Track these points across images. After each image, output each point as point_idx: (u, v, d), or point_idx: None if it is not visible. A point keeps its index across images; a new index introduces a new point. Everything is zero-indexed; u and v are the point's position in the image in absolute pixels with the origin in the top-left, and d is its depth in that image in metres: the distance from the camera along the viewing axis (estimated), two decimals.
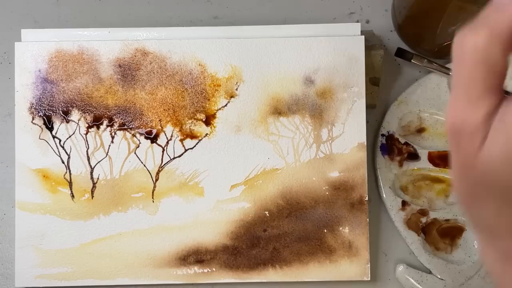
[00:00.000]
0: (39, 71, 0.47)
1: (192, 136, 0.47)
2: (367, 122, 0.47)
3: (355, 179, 0.46)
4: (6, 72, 0.51)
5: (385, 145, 0.49)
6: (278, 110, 0.47)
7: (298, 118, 0.47)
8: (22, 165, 0.46)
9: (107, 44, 0.47)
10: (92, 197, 0.46)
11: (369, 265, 0.46)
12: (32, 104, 0.46)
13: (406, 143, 0.49)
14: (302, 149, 0.46)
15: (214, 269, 0.46)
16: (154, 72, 0.47)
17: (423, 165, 0.49)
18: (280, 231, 0.46)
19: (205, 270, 0.46)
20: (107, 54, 0.47)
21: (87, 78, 0.47)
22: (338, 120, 0.46)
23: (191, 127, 0.46)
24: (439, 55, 0.51)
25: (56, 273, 0.46)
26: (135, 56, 0.47)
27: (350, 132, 0.46)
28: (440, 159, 0.49)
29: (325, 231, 0.46)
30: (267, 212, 0.46)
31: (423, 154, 0.49)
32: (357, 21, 0.52)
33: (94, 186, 0.47)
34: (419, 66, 0.50)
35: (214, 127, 0.46)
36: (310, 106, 0.46)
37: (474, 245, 0.48)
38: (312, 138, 0.46)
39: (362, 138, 0.46)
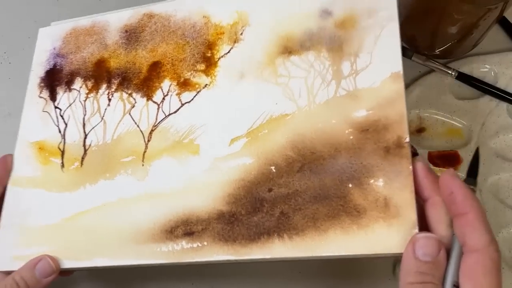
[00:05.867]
0: (54, 48, 0.46)
1: (190, 88, 0.40)
2: None
3: (390, 117, 0.34)
4: (6, 72, 0.51)
5: None
6: (289, 49, 0.38)
7: (313, 55, 0.37)
8: (23, 141, 0.43)
9: (118, 14, 0.45)
10: (82, 165, 0.41)
11: (417, 230, 0.31)
12: (42, 79, 0.45)
13: None
14: (318, 89, 0.36)
15: (205, 243, 0.35)
16: (157, 31, 0.43)
17: None
18: (289, 190, 0.34)
19: (194, 245, 0.35)
20: (116, 22, 0.45)
21: (94, 47, 0.44)
22: (364, 49, 0.36)
23: (190, 79, 0.40)
24: (438, 56, 0.48)
25: (35, 254, 0.39)
26: (142, 20, 0.44)
27: (380, 62, 0.35)
28: (440, 159, 0.46)
29: (350, 185, 0.33)
30: (273, 168, 0.35)
31: (423, 154, 0.46)
32: None
33: (85, 153, 0.41)
34: (419, 66, 0.47)
35: (215, 76, 0.39)
36: (327, 39, 0.37)
37: None
38: (331, 74, 0.36)
39: (397, 67, 0.35)
